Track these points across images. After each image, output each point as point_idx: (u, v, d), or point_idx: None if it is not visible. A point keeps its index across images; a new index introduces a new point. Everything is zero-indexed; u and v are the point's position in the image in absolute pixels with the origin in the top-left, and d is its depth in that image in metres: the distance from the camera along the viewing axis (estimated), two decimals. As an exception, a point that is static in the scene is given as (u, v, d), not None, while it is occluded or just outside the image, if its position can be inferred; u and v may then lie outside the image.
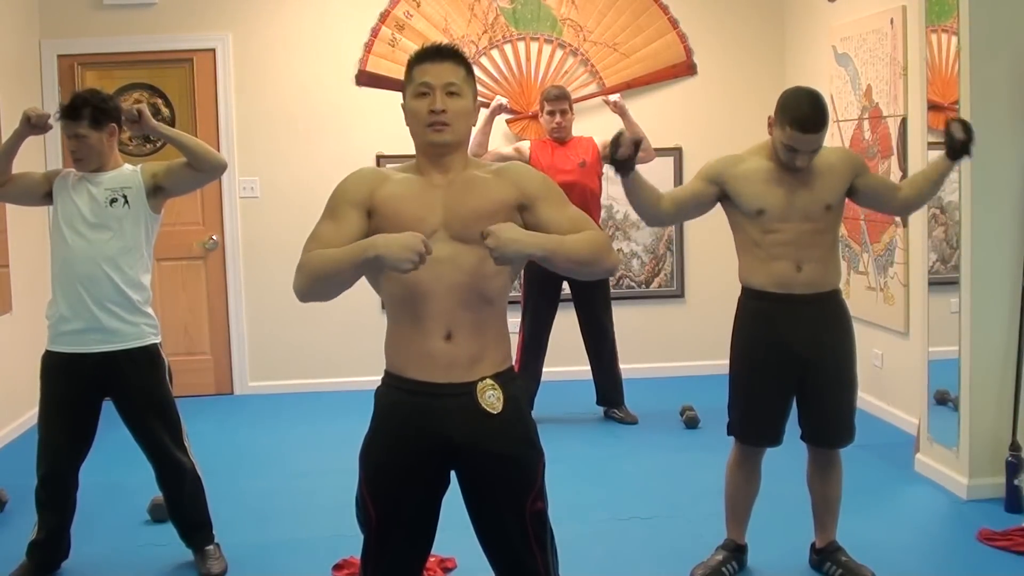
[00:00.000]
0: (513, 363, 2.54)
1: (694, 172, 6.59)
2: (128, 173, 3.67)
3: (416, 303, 2.39)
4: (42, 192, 3.70)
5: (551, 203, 2.47)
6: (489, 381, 2.41)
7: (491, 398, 2.40)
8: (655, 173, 6.52)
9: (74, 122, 3.57)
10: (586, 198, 5.47)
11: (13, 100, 5.66)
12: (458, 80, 2.41)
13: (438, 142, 2.41)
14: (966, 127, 3.44)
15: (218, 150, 4.80)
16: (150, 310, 3.71)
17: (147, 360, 3.67)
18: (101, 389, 3.68)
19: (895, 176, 5.29)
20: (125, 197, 3.61)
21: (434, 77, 2.39)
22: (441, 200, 2.41)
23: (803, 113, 3.26)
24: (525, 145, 5.67)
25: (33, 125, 3.58)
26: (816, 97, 3.33)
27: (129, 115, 3.59)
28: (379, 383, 2.51)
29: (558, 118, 5.54)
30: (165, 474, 3.76)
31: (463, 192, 2.43)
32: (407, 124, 2.46)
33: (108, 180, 3.63)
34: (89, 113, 3.56)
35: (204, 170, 3.67)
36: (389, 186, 2.45)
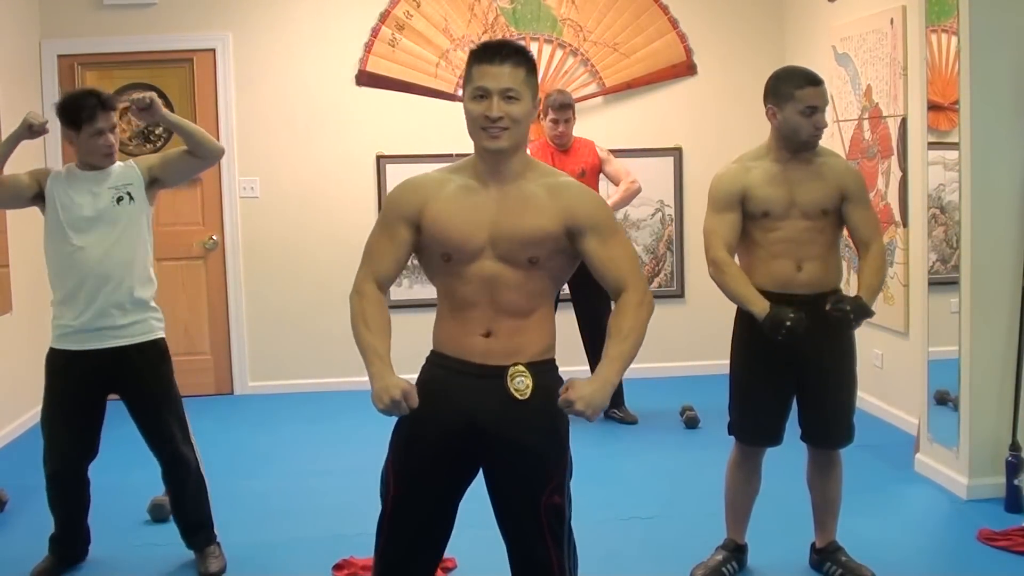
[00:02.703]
0: (553, 356, 2.53)
1: (694, 172, 6.71)
2: (126, 169, 3.67)
3: (461, 309, 2.45)
4: (31, 194, 3.65)
5: (599, 236, 2.45)
6: (521, 367, 2.43)
7: (520, 384, 2.42)
8: (655, 173, 6.62)
9: (109, 113, 3.59)
10: None
11: (13, 100, 5.66)
12: (517, 84, 2.39)
13: (493, 148, 2.40)
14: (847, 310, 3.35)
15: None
16: (156, 304, 3.72)
17: (156, 353, 3.69)
18: (109, 386, 3.68)
19: (895, 177, 5.29)
20: (130, 194, 3.62)
21: (492, 81, 2.37)
22: (490, 218, 2.41)
23: (804, 73, 3.41)
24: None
25: (34, 131, 3.58)
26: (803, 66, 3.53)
27: (140, 103, 3.58)
28: None
29: (561, 127, 5.54)
30: (171, 470, 3.76)
31: (514, 212, 2.42)
32: (465, 121, 2.44)
33: (110, 178, 3.63)
34: (115, 103, 3.63)
35: (204, 156, 3.70)
36: (439, 201, 2.45)
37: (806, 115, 3.33)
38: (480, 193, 2.44)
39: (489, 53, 2.40)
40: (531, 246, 2.41)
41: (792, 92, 3.33)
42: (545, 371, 2.47)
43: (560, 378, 2.48)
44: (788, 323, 3.26)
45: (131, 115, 3.70)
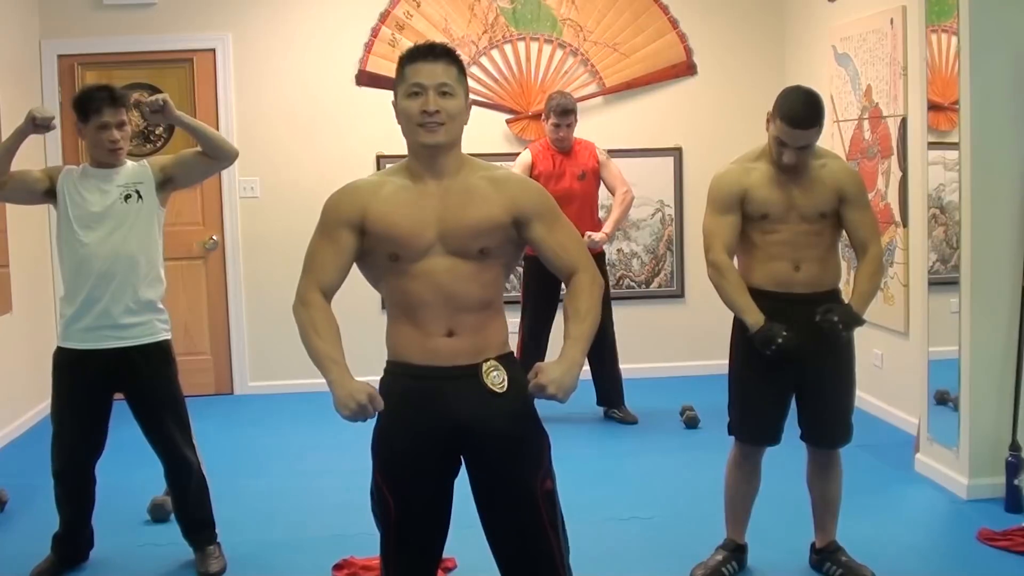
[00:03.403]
0: (512, 350, 2.55)
1: (694, 172, 6.70)
2: (137, 168, 3.68)
3: (416, 309, 2.42)
4: (42, 189, 3.66)
5: (545, 223, 2.48)
6: (493, 362, 2.44)
7: (496, 378, 2.43)
8: (655, 173, 6.61)
9: (118, 109, 3.59)
10: (584, 205, 5.51)
11: (13, 100, 5.66)
12: (451, 80, 2.40)
13: (430, 143, 2.40)
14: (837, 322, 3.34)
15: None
16: (163, 306, 3.72)
17: (160, 356, 3.69)
18: (113, 385, 3.69)
19: (895, 177, 5.29)
20: (138, 192, 3.63)
21: (427, 77, 2.38)
22: (435, 213, 2.41)
23: (795, 109, 3.29)
24: (527, 158, 5.61)
25: (37, 125, 3.56)
26: (812, 96, 3.35)
27: (153, 105, 3.59)
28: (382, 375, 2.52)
29: (563, 132, 5.54)
30: (173, 471, 3.76)
31: (459, 205, 2.42)
32: (399, 123, 2.45)
33: (119, 175, 3.64)
34: (127, 100, 3.64)
35: (219, 158, 3.71)
36: (380, 202, 2.43)
37: (778, 144, 3.33)
38: (421, 190, 2.43)
39: (422, 52, 2.42)
40: (482, 236, 2.41)
41: (777, 118, 3.32)
42: (512, 362, 2.50)
43: (520, 368, 2.51)
44: (780, 340, 3.29)
45: (143, 116, 3.70)
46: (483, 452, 2.46)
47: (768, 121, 3.39)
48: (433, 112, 2.37)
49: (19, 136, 3.60)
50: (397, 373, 2.48)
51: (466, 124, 2.48)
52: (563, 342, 2.42)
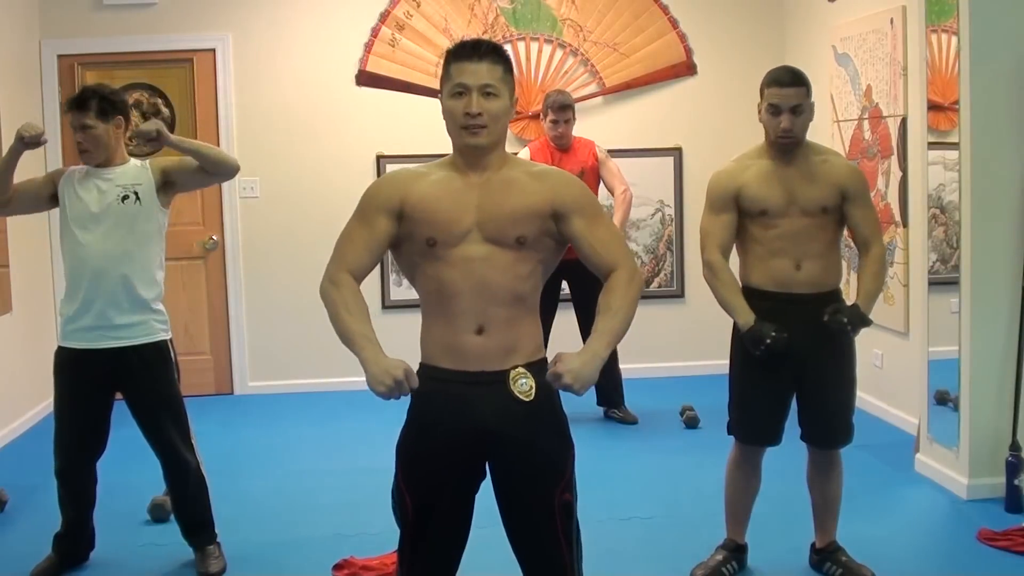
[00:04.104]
0: (545, 355, 2.53)
1: (694, 172, 6.71)
2: (138, 168, 3.68)
3: (448, 300, 2.41)
4: (48, 195, 3.69)
5: (585, 218, 2.47)
6: (521, 369, 2.42)
7: (523, 386, 2.41)
8: (655, 173, 6.62)
9: (81, 112, 3.58)
10: None
11: (13, 100, 5.66)
12: (495, 80, 2.39)
13: (473, 144, 2.41)
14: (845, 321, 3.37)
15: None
16: (161, 306, 3.72)
17: (157, 357, 3.69)
18: (112, 385, 3.69)
19: (895, 177, 5.29)
20: (136, 193, 3.62)
21: (470, 77, 2.38)
22: (475, 200, 2.41)
23: (778, 72, 3.41)
24: (525, 155, 5.61)
25: (27, 143, 3.57)
26: (792, 66, 3.50)
27: (147, 134, 3.60)
28: None
29: (561, 128, 5.54)
30: (171, 472, 3.77)
31: (499, 193, 2.42)
32: (444, 121, 2.45)
33: (118, 176, 3.64)
34: (96, 104, 3.59)
35: (219, 174, 3.73)
36: (421, 187, 2.44)
37: (771, 113, 3.35)
38: (463, 181, 2.44)
39: (467, 51, 2.41)
40: (519, 223, 2.40)
41: (763, 89, 3.39)
42: (542, 370, 2.46)
43: None
44: (768, 340, 3.31)
45: (138, 143, 3.70)
46: (505, 459, 2.46)
47: (759, 110, 3.40)
48: (476, 114, 2.37)
49: (13, 155, 3.62)
50: (426, 376, 2.46)
51: (511, 119, 2.48)
52: (592, 333, 2.42)
